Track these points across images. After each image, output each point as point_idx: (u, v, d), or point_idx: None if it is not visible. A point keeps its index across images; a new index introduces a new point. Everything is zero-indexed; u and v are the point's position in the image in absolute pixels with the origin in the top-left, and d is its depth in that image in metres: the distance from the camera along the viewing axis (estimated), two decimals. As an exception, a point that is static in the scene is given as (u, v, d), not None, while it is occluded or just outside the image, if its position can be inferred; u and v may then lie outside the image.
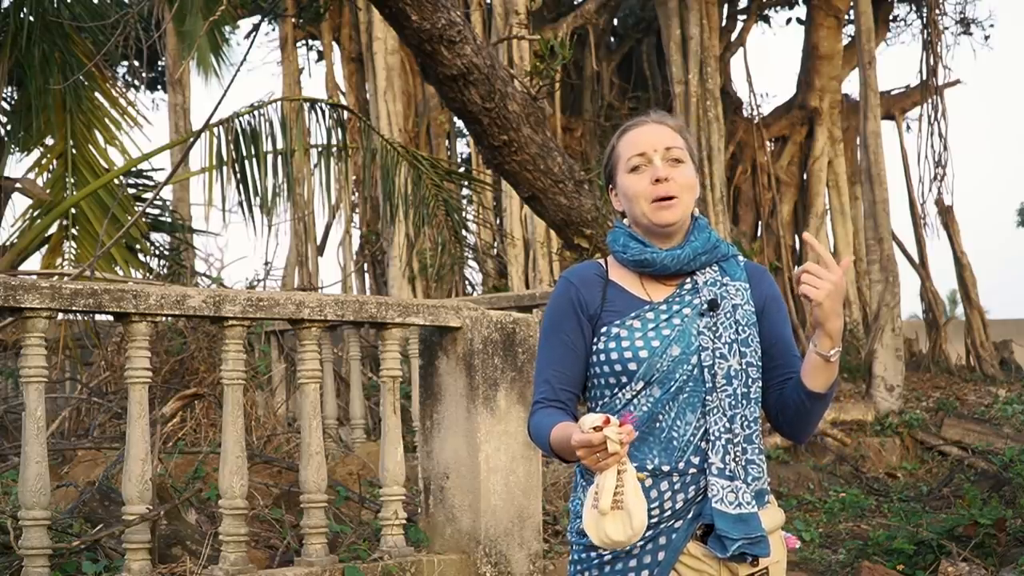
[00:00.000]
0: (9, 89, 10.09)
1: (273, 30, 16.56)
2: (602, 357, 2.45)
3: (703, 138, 13.66)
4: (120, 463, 5.09)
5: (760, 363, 2.48)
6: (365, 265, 15.91)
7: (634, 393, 2.42)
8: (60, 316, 7.72)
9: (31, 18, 9.38)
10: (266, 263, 14.71)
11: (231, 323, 4.60)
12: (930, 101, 14.92)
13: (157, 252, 10.68)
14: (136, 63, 15.00)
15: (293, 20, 15.61)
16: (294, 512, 5.61)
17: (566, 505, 6.73)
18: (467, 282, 14.97)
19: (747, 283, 2.52)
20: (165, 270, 10.39)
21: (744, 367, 2.44)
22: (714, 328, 2.44)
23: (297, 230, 15.28)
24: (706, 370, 2.42)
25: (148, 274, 9.98)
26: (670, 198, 2.45)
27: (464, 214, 11.92)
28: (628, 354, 2.42)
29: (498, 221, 14.67)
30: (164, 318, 4.89)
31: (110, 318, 5.22)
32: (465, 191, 13.27)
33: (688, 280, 2.50)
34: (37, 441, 4.17)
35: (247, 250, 53.39)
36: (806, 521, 8.34)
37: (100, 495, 5.16)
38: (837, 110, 15.67)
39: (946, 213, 14.98)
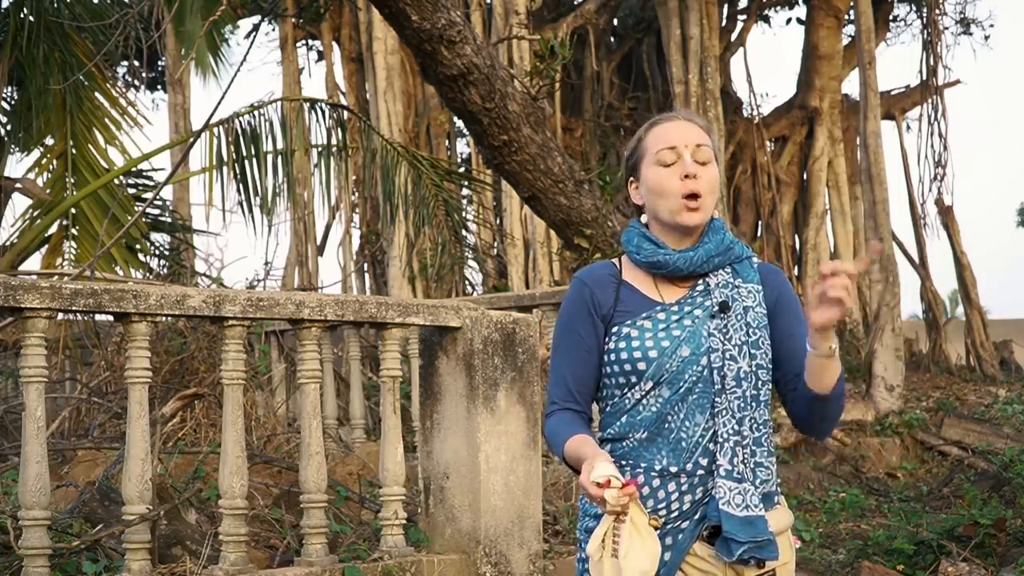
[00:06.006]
0: (9, 89, 10.08)
1: (273, 30, 16.56)
2: (612, 356, 2.46)
3: (703, 138, 13.65)
4: (120, 463, 5.09)
5: (770, 365, 2.48)
6: (365, 265, 15.91)
7: (643, 393, 2.43)
8: (60, 316, 7.71)
9: (31, 18, 9.37)
10: (266, 263, 14.68)
11: (231, 323, 4.60)
12: (930, 101, 14.91)
13: (157, 252, 10.66)
14: (136, 63, 15.00)
15: (293, 20, 15.61)
16: (294, 512, 5.61)
17: (566, 505, 6.72)
18: (467, 282, 14.96)
19: (760, 285, 2.53)
20: (165, 270, 10.37)
21: (754, 369, 2.44)
22: (724, 330, 2.45)
23: (297, 230, 15.28)
24: (715, 371, 2.42)
25: (148, 274, 9.97)
26: (697, 197, 2.45)
27: (464, 214, 11.91)
28: (638, 354, 2.43)
29: (498, 221, 14.66)
30: (164, 318, 4.88)
31: (110, 318, 5.22)
32: (465, 191, 13.26)
33: (701, 282, 2.51)
34: (37, 441, 4.17)
35: (247, 250, 53.42)
36: (806, 521, 8.33)
37: (100, 495, 5.16)
38: (837, 110, 15.66)
39: (946, 213, 14.97)
